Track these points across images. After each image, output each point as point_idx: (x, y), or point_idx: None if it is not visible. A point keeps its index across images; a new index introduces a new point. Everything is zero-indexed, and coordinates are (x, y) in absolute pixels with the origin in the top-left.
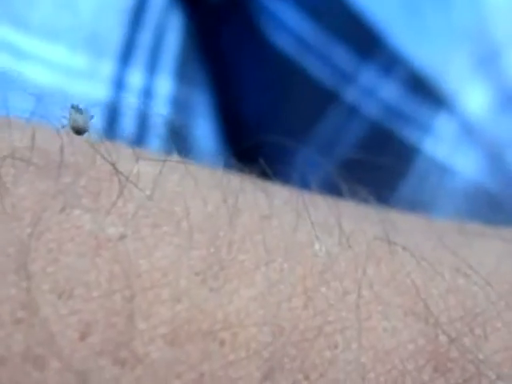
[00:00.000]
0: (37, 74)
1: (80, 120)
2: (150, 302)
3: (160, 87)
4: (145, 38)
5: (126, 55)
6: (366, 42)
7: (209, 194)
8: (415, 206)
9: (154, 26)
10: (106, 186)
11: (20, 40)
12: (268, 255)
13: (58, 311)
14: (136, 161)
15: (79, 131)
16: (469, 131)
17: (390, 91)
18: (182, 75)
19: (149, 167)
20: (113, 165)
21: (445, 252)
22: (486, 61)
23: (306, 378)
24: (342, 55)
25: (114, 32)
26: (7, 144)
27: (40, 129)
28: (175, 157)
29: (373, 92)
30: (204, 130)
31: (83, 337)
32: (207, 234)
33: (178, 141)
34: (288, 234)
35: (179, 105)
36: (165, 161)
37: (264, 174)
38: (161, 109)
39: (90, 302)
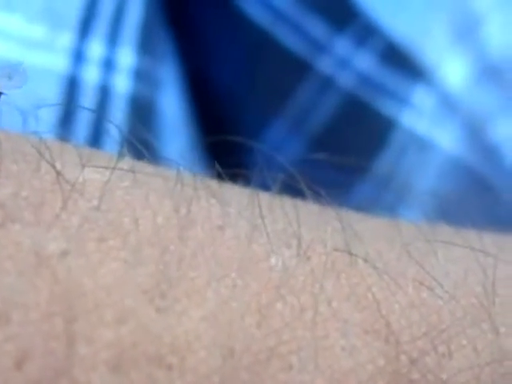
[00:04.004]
0: None
1: None
2: (93, 325)
3: (122, 59)
4: (105, 8)
5: (85, 26)
6: (340, 11)
7: (160, 204)
8: (393, 180)
9: None
10: (49, 197)
11: None
12: (220, 270)
13: None
14: (82, 167)
15: None
16: (448, 104)
17: (365, 62)
18: (145, 46)
19: (97, 174)
20: (57, 173)
21: (409, 262)
22: (465, 32)
23: None
24: (316, 25)
25: (73, 2)
26: None
27: None
28: (126, 161)
29: (348, 63)
30: (171, 102)
31: (19, 365)
32: (156, 248)
33: (143, 114)
34: (243, 247)
35: (143, 77)
36: (113, 168)
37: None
38: (123, 81)
39: (27, 325)
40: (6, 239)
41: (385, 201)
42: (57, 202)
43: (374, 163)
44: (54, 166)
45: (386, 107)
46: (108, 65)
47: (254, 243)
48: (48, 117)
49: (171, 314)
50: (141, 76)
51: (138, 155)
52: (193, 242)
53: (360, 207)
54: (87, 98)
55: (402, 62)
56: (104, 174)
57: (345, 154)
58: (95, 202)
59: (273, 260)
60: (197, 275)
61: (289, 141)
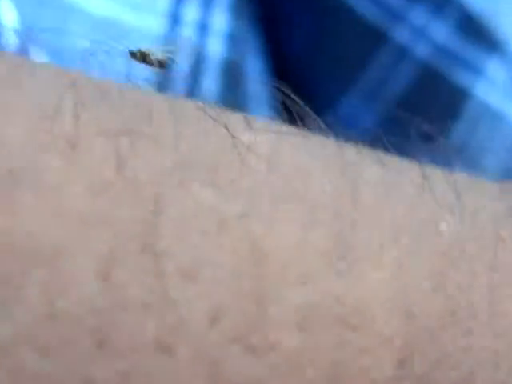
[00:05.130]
0: (93, 5)
1: (158, 53)
2: (279, 285)
3: (216, 22)
4: None
5: None
6: None
7: (326, 167)
8: (465, 152)
9: None
10: (224, 159)
11: None
12: (393, 234)
13: (186, 295)
14: (251, 130)
15: (162, 64)
16: None
17: (440, 32)
18: (236, 10)
19: (263, 137)
20: (232, 136)
21: None
22: None
23: (439, 366)
24: None
25: None
26: (121, 116)
27: (151, 98)
28: (285, 125)
29: (423, 32)
30: (255, 66)
31: (213, 322)
32: (329, 211)
33: (233, 77)
34: (412, 211)
35: (234, 40)
36: (279, 131)
37: None
38: (217, 44)
39: (218, 284)
40: (188, 198)
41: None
42: (232, 164)
43: (448, 133)
44: (227, 128)
45: (461, 78)
46: (203, 28)
47: (422, 208)
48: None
49: (350, 277)
50: (233, 40)
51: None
52: (363, 206)
53: None
54: (183, 60)
55: (477, 34)
56: (269, 137)
57: (420, 124)
58: (267, 164)
59: (442, 225)
60: (370, 238)
61: (363, 110)
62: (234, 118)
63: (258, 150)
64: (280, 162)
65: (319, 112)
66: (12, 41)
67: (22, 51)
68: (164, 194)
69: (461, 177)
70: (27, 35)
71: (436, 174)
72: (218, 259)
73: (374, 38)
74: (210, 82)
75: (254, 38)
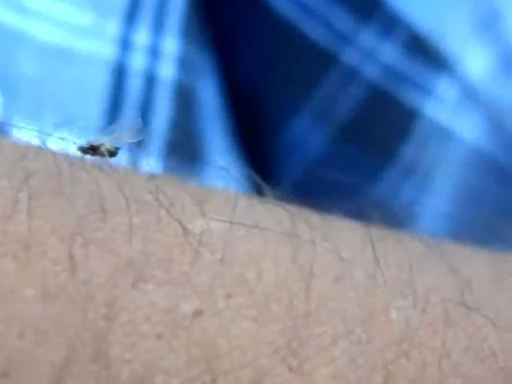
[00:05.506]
0: (42, 32)
1: (107, 142)
2: None
3: (166, 46)
4: None
5: (131, 13)
6: (364, 3)
7: (279, 252)
8: (415, 170)
9: None
10: (176, 251)
11: None
12: (344, 325)
13: None
14: (203, 216)
15: (112, 153)
16: (470, 94)
17: (389, 53)
18: (187, 34)
19: (215, 222)
20: (183, 227)
21: None
22: (487, 23)
23: None
24: (340, 17)
25: None
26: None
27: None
28: (241, 201)
29: (372, 54)
30: (209, 90)
31: None
32: (282, 303)
33: (185, 102)
34: (362, 299)
35: (186, 64)
36: (231, 218)
37: None
38: (167, 69)
39: None
40: (141, 300)
41: (407, 191)
42: (184, 257)
43: (398, 153)
44: (179, 222)
45: (410, 98)
46: (153, 52)
47: (372, 294)
48: (95, 103)
49: (303, 373)
50: (184, 64)
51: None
52: (315, 295)
53: (384, 197)
54: (133, 85)
55: (425, 53)
56: (222, 222)
57: (369, 145)
58: (219, 255)
59: (393, 313)
60: (323, 331)
61: (313, 132)
62: (185, 198)
63: (211, 239)
64: (233, 250)
65: (271, 132)
66: None
67: None
68: (117, 297)
69: (412, 244)
70: None
71: (387, 247)
72: (172, 365)
73: (325, 59)
74: (163, 107)
75: (206, 61)
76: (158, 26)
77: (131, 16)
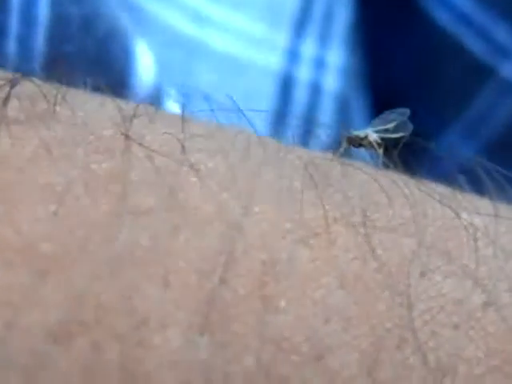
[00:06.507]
0: (218, 42)
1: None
2: None
3: (331, 57)
4: (317, 8)
5: (301, 24)
6: None
7: None
8: None
9: None
10: (452, 244)
11: (205, 7)
12: None
13: None
14: (474, 211)
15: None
16: None
17: None
18: (349, 45)
19: (479, 218)
20: (457, 215)
21: None
22: None
23: None
24: (500, 29)
25: (290, 2)
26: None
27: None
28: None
29: None
30: (360, 100)
31: None
32: None
33: (345, 113)
34: None
35: (346, 75)
36: (495, 215)
37: None
38: (331, 80)
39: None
40: (432, 290)
41: None
42: (462, 251)
43: None
44: (456, 214)
45: None
46: (319, 64)
47: None
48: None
49: None
50: (345, 74)
51: None
52: None
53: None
54: (299, 96)
55: None
56: (488, 217)
57: None
58: (491, 251)
59: None
60: None
61: (464, 145)
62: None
63: (488, 234)
64: (502, 244)
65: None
66: (148, 82)
67: (157, 91)
68: (410, 287)
69: None
70: (162, 75)
71: None
72: (469, 355)
73: (482, 72)
74: (326, 119)
75: (362, 73)
76: (325, 37)
77: (300, 27)
